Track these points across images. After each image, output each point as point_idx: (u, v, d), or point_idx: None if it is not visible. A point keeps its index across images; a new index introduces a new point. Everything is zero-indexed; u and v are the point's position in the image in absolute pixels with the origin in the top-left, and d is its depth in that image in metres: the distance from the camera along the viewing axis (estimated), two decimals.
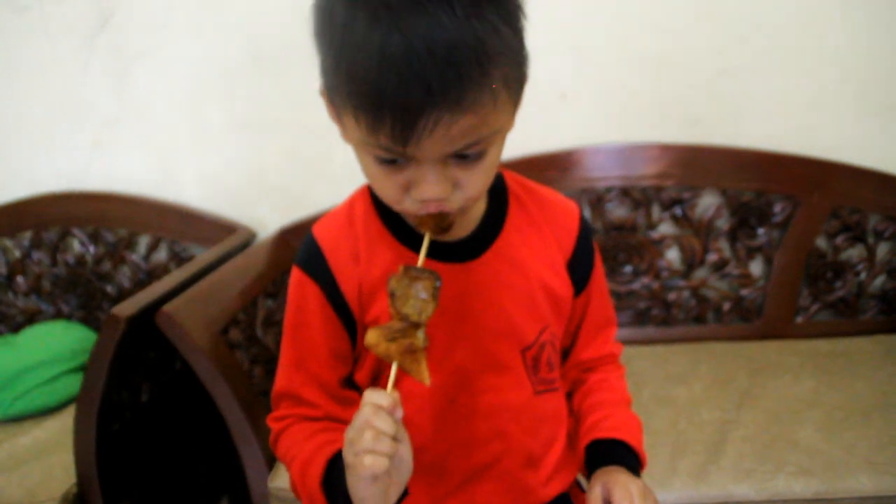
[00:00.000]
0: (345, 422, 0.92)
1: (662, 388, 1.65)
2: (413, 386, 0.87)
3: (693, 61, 1.85)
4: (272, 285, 1.72)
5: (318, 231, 0.94)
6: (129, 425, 1.55)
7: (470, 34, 0.69)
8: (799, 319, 1.91)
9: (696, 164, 1.85)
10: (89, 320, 2.07)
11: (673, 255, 1.92)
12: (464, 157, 0.76)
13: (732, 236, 1.88)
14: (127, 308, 1.38)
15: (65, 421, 1.67)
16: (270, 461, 1.43)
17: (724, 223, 1.88)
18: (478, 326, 0.92)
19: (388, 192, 0.79)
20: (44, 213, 2.08)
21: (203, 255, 1.75)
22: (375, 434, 0.74)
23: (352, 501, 0.78)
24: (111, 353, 1.36)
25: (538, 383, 0.97)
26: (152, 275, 2.05)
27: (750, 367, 1.73)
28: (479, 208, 0.93)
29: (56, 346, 1.84)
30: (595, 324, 1.04)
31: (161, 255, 2.06)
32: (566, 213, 0.99)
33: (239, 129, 2.00)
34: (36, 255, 2.10)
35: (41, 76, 2.02)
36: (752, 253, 1.89)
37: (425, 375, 0.79)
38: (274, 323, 1.66)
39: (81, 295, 2.09)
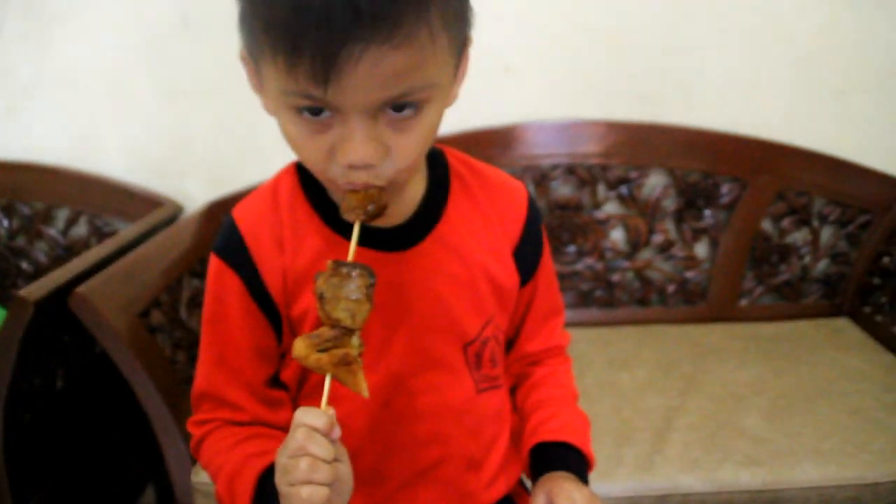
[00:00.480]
0: (273, 426, 0.86)
1: (606, 374, 1.61)
2: (337, 388, 0.76)
3: (643, 37, 1.80)
4: (199, 263, 1.63)
5: (238, 214, 0.85)
6: (41, 414, 1.45)
7: None
8: (743, 302, 1.89)
9: (644, 142, 1.81)
10: (3, 299, 1.93)
11: (618, 236, 1.88)
12: (397, 112, 0.68)
13: (678, 217, 1.85)
14: (36, 290, 1.27)
15: None
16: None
17: (670, 204, 1.84)
18: (415, 321, 0.84)
19: (311, 156, 0.71)
20: None
21: (125, 231, 1.64)
22: (312, 462, 0.66)
23: None
24: (18, 340, 1.26)
25: (481, 381, 0.90)
26: (71, 251, 1.93)
27: (694, 352, 1.70)
28: (417, 190, 0.85)
29: None
30: (542, 314, 0.97)
31: (81, 229, 1.94)
32: (513, 196, 0.91)
33: (166, 97, 1.88)
34: None
35: None
36: (697, 234, 1.86)
37: (363, 387, 0.71)
38: (200, 304, 1.56)
39: None
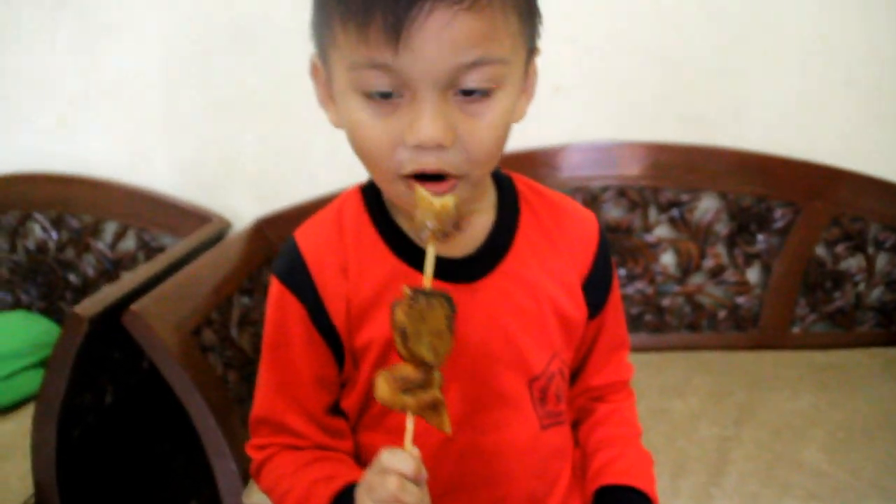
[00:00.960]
0: (334, 450, 0.84)
1: (658, 401, 1.58)
2: (401, 418, 0.73)
3: (696, 59, 1.78)
4: (248, 281, 1.62)
5: (301, 239, 0.82)
6: (91, 430, 1.45)
7: None
8: (795, 330, 1.85)
9: (696, 165, 1.78)
10: (50, 311, 1.95)
11: (668, 260, 1.85)
12: (467, 95, 0.67)
13: (731, 242, 1.82)
14: (91, 307, 1.27)
15: (22, 422, 1.55)
16: (245, 475, 1.33)
17: (722, 228, 1.81)
18: (481, 356, 0.81)
19: (379, 143, 0.69)
20: (2, 194, 1.96)
21: (174, 248, 1.64)
22: None
23: None
24: (73, 355, 1.26)
25: (545, 417, 0.86)
26: (119, 264, 1.94)
27: (746, 380, 1.67)
28: (487, 218, 0.83)
29: (14, 339, 1.71)
30: (608, 347, 0.93)
31: (129, 243, 1.95)
32: (584, 225, 0.88)
33: (215, 111, 1.89)
34: None
35: (4, 51, 1.90)
36: (749, 260, 1.82)
37: (447, 425, 0.69)
38: (250, 322, 1.56)
39: (42, 284, 1.97)
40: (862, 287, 1.83)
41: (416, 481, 0.66)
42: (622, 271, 1.83)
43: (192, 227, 1.83)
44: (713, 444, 1.43)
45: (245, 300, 1.58)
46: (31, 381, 1.63)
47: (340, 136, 1.94)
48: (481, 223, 0.82)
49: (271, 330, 0.83)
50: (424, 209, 0.69)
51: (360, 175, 1.83)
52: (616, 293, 0.92)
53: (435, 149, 0.67)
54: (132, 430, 1.62)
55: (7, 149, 1.97)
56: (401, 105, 0.67)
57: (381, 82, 0.66)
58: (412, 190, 0.70)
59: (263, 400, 0.85)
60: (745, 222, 1.80)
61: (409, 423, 0.69)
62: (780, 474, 1.34)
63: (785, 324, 1.84)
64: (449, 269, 0.78)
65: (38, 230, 1.97)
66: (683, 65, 1.78)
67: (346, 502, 0.73)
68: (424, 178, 0.70)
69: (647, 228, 1.82)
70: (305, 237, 0.82)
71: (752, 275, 1.85)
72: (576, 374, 0.94)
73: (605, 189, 1.80)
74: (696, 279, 1.84)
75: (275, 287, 0.82)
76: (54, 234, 1.96)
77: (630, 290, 1.83)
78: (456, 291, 0.76)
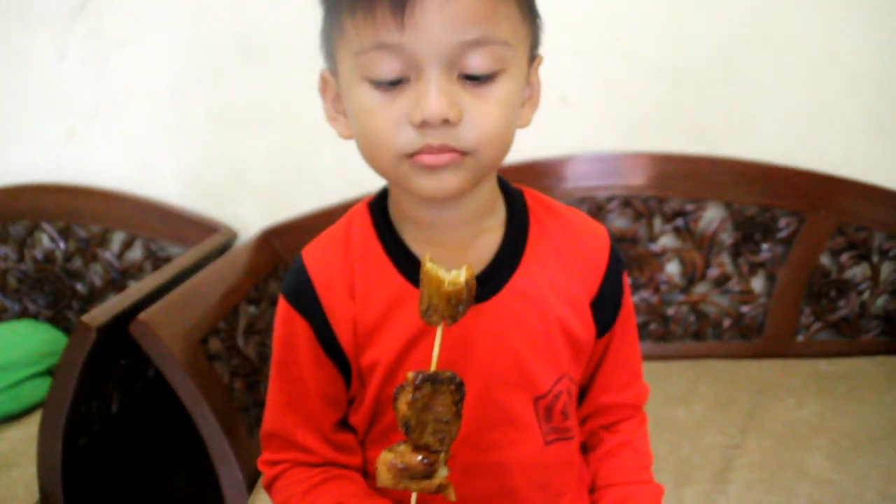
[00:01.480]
0: (343, 466, 0.86)
1: (663, 409, 1.58)
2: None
3: (700, 70, 1.78)
4: (254, 291, 1.63)
5: (308, 258, 0.83)
6: (97, 438, 1.45)
7: None
8: (800, 338, 1.85)
9: (701, 175, 1.78)
10: (57, 320, 1.96)
11: (673, 269, 1.85)
12: (473, 80, 0.69)
13: (735, 251, 1.82)
14: (98, 316, 1.28)
15: (29, 430, 1.56)
16: (251, 483, 1.33)
17: (727, 237, 1.82)
18: (485, 375, 0.80)
19: (386, 125, 0.70)
20: (11, 204, 1.96)
21: (181, 258, 1.65)
22: None
23: None
24: (80, 364, 1.26)
25: (549, 433, 0.86)
26: (126, 274, 1.95)
27: (751, 388, 1.66)
28: (495, 236, 0.82)
29: (21, 348, 1.72)
30: (617, 366, 0.92)
31: (136, 253, 1.96)
32: (595, 242, 0.87)
33: (223, 123, 1.90)
34: (1, 249, 1.98)
35: (15, 64, 1.91)
36: (754, 269, 1.83)
37: (451, 496, 0.69)
38: (256, 331, 1.57)
39: (50, 293, 1.97)
40: (866, 296, 1.83)
41: None
42: (627, 280, 1.83)
43: (199, 237, 1.84)
44: (718, 453, 1.43)
45: (252, 309, 1.59)
46: (38, 390, 1.64)
47: (347, 149, 1.94)
48: (489, 242, 0.82)
49: (279, 347, 0.84)
50: (433, 290, 0.67)
51: (367, 186, 1.84)
52: (628, 310, 0.91)
53: (441, 125, 0.68)
54: (138, 439, 1.62)
55: (17, 160, 1.98)
56: (407, 88, 0.69)
57: (387, 67, 0.68)
58: (417, 165, 0.71)
59: (273, 415, 0.86)
60: (749, 231, 1.80)
61: (413, 498, 0.69)
62: (784, 482, 1.34)
63: (790, 332, 1.84)
64: None
65: (46, 240, 1.98)
66: (688, 76, 1.79)
67: None
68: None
69: (652, 238, 1.82)
70: (313, 257, 0.83)
71: (757, 284, 1.85)
72: (584, 392, 0.93)
73: (610, 199, 1.81)
74: (701, 288, 1.84)
75: (282, 307, 0.83)
76: (62, 244, 1.96)
77: (635, 299, 1.83)
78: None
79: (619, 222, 1.82)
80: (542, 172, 1.80)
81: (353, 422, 0.86)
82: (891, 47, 1.75)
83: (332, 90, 0.78)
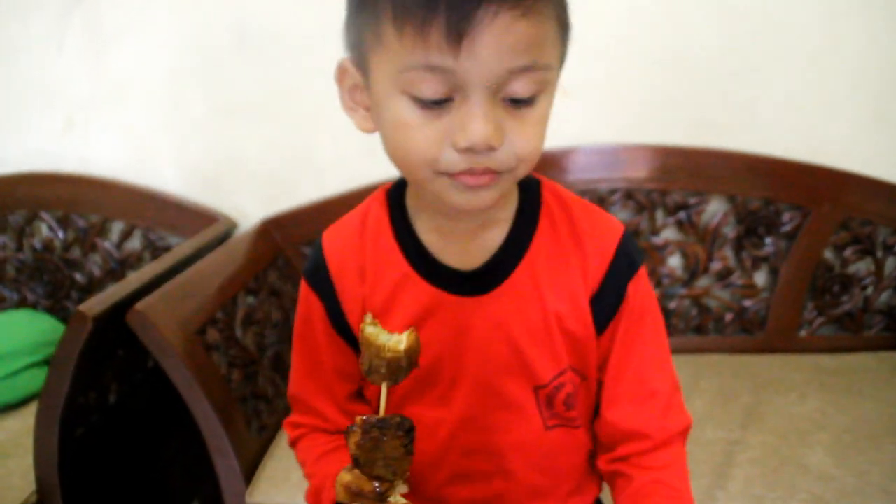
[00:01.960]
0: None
1: None
2: (422, 410, 0.84)
3: (704, 61, 1.76)
4: (253, 281, 1.62)
5: (327, 240, 0.88)
6: (94, 428, 1.44)
7: None
8: (802, 333, 1.83)
9: (704, 168, 1.77)
10: (56, 310, 1.96)
11: (675, 262, 1.84)
12: (515, 103, 0.68)
13: (738, 245, 1.80)
14: (95, 305, 1.27)
15: (26, 420, 1.55)
16: (248, 474, 1.33)
17: (730, 231, 1.80)
18: (485, 365, 0.83)
19: (426, 144, 0.69)
20: (10, 193, 1.96)
21: (180, 247, 1.64)
22: None
23: None
24: (77, 354, 1.25)
25: (550, 418, 0.86)
26: (125, 264, 1.94)
27: (753, 383, 1.65)
28: (501, 231, 0.82)
29: (19, 337, 1.71)
30: (625, 372, 0.85)
31: (135, 243, 1.95)
32: (602, 239, 0.84)
33: (221, 114, 1.89)
34: (0, 238, 1.98)
35: (13, 55, 1.91)
36: (757, 263, 1.81)
37: None
38: (255, 322, 1.56)
39: (48, 283, 1.97)
40: (870, 291, 1.82)
41: None
42: None
43: (198, 227, 1.83)
44: (719, 447, 1.42)
45: (250, 300, 1.58)
46: (36, 380, 1.63)
47: (346, 138, 1.94)
48: (495, 234, 0.82)
49: (299, 321, 0.90)
50: (372, 354, 0.69)
51: (366, 176, 1.83)
52: (637, 315, 0.84)
53: (485, 150, 0.68)
54: (136, 429, 1.61)
55: (15, 149, 1.97)
56: (451, 108, 0.67)
57: (434, 87, 0.66)
58: (457, 183, 0.71)
59: (296, 380, 0.92)
60: (752, 225, 1.78)
61: None
62: (785, 478, 1.33)
63: (792, 327, 1.82)
64: (455, 282, 0.81)
65: (45, 229, 1.97)
66: (691, 68, 1.77)
67: None
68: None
69: (655, 231, 1.81)
70: (331, 239, 0.87)
71: (760, 278, 1.83)
72: (597, 409, 0.89)
73: (612, 192, 1.79)
74: (703, 282, 1.83)
75: (303, 285, 0.89)
76: (61, 234, 1.96)
77: None
78: (460, 304, 0.81)
79: (621, 215, 1.81)
80: (543, 164, 1.74)
81: (368, 395, 0.91)
82: (894, 40, 1.73)
83: (350, 80, 0.76)
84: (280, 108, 1.87)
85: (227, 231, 1.84)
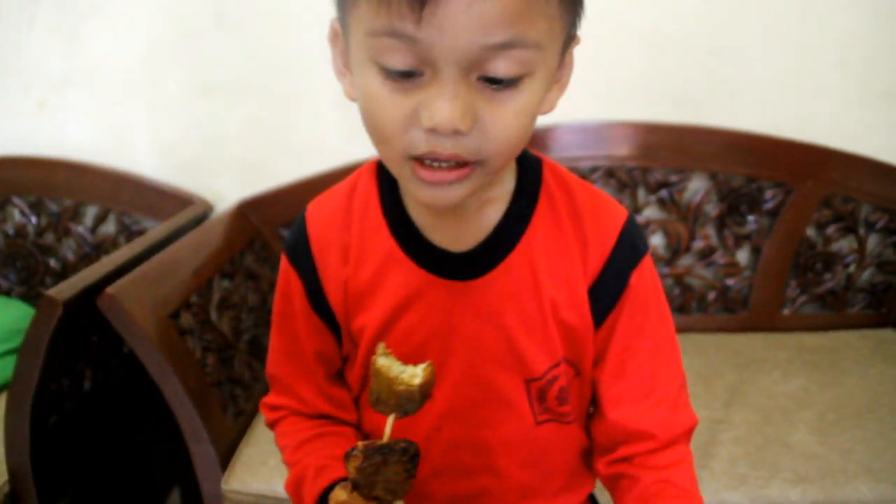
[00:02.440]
0: (336, 419, 0.86)
1: None
2: None
3: (685, 38, 1.74)
4: (229, 264, 1.59)
5: (310, 214, 0.81)
6: (69, 416, 1.42)
7: None
8: (785, 311, 1.83)
9: (685, 145, 1.75)
10: (30, 297, 1.92)
11: (657, 241, 1.82)
12: (492, 84, 0.61)
13: (720, 223, 1.79)
14: (65, 290, 1.24)
15: (1, 409, 1.52)
16: (224, 460, 1.30)
17: (712, 209, 1.79)
18: (475, 354, 0.77)
19: (393, 121, 0.63)
20: None
21: (154, 230, 1.61)
22: None
23: None
24: (47, 340, 1.22)
25: (541, 413, 0.81)
26: (100, 248, 1.90)
27: (736, 362, 1.65)
28: (498, 211, 0.76)
29: None
30: (625, 367, 0.80)
31: (109, 227, 1.91)
32: (603, 226, 0.78)
33: (198, 93, 1.85)
34: None
35: None
36: (739, 241, 1.80)
37: None
38: (230, 306, 1.53)
39: (22, 269, 1.93)
40: (853, 268, 1.81)
41: None
42: None
43: (174, 210, 1.79)
44: (702, 427, 1.38)
45: (226, 283, 1.55)
46: (10, 368, 1.59)
47: (325, 119, 1.90)
48: (491, 214, 0.76)
49: (278, 298, 0.84)
50: (383, 387, 0.65)
51: (345, 156, 1.80)
52: (642, 307, 0.79)
53: (451, 134, 0.61)
54: (112, 416, 1.59)
55: None
56: (420, 85, 0.61)
57: (399, 58, 0.60)
58: (415, 173, 0.65)
59: (274, 359, 0.87)
60: (735, 203, 1.77)
61: None
62: (769, 456, 1.32)
63: (775, 306, 1.82)
64: (445, 264, 0.76)
65: (17, 214, 1.93)
66: (673, 44, 1.75)
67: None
68: (433, 162, 0.64)
69: (636, 209, 1.79)
70: (315, 214, 0.81)
71: (742, 256, 1.82)
72: (596, 405, 0.84)
73: (594, 169, 1.77)
74: (686, 261, 1.82)
75: (283, 260, 0.83)
76: (34, 219, 1.92)
77: None
78: (451, 288, 0.76)
79: None
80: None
81: (349, 380, 0.86)
82: (878, 17, 1.72)
83: (342, 43, 0.69)
84: (258, 88, 1.83)
85: (204, 213, 1.80)
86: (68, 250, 1.92)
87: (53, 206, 1.90)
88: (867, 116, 1.78)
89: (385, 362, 0.65)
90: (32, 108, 1.90)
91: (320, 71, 1.79)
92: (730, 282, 1.82)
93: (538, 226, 0.77)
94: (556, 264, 0.77)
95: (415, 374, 0.64)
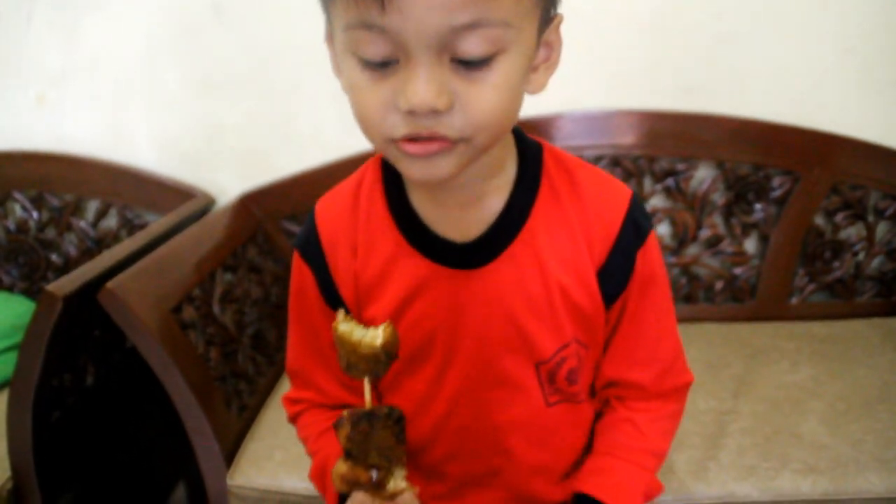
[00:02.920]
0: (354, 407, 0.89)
1: None
2: (415, 385, 0.83)
3: (690, 25, 1.72)
4: (231, 257, 1.58)
5: (320, 212, 0.85)
6: (72, 411, 1.41)
7: None
8: (793, 300, 1.81)
9: (692, 134, 1.73)
10: (32, 292, 1.91)
11: (664, 230, 1.80)
12: (466, 65, 0.63)
13: (727, 211, 1.77)
14: (65, 285, 1.23)
15: (3, 405, 1.51)
16: (229, 456, 1.29)
17: (719, 197, 1.77)
18: (484, 340, 0.80)
19: (373, 107, 0.65)
20: None
21: (155, 224, 1.59)
22: None
23: None
24: (48, 335, 1.21)
25: (551, 394, 0.84)
26: (101, 243, 1.89)
27: (744, 352, 1.63)
28: (500, 200, 0.78)
29: None
30: (630, 340, 0.85)
31: (111, 221, 1.90)
32: (608, 209, 0.80)
33: (198, 86, 1.84)
34: None
35: None
36: (747, 229, 1.78)
37: (414, 490, 0.75)
38: (233, 299, 1.52)
39: (24, 264, 1.92)
40: (862, 256, 1.79)
41: None
42: None
43: (175, 203, 1.78)
44: (710, 418, 1.39)
45: (228, 276, 1.54)
46: (12, 363, 1.58)
47: (325, 111, 1.89)
48: (493, 203, 0.78)
49: (293, 293, 0.88)
50: (349, 351, 0.68)
51: (346, 148, 1.79)
52: (648, 285, 0.83)
53: (429, 114, 0.63)
54: (116, 411, 1.58)
55: None
56: (396, 70, 0.63)
57: (374, 48, 0.63)
58: (403, 152, 0.67)
59: (293, 354, 0.91)
60: (742, 191, 1.75)
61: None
62: (778, 448, 1.30)
63: (783, 295, 1.80)
64: (450, 255, 0.78)
65: (19, 210, 1.92)
66: (679, 31, 1.73)
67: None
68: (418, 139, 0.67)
69: (642, 198, 1.77)
70: (324, 211, 0.84)
71: (750, 245, 1.80)
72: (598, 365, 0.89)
73: (599, 158, 1.75)
74: (693, 250, 1.80)
75: (295, 256, 0.87)
76: (35, 214, 1.91)
77: None
78: (457, 277, 0.78)
79: None
80: (529, 131, 1.71)
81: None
82: (886, 2, 1.69)
83: (331, 38, 0.73)
84: (258, 80, 1.82)
85: (205, 207, 1.79)
86: (70, 245, 1.91)
87: (55, 201, 1.90)
88: (875, 102, 1.75)
89: (346, 328, 0.68)
90: (31, 102, 1.89)
91: (320, 63, 1.78)
92: (737, 271, 1.80)
93: (540, 212, 0.78)
94: (561, 249, 0.78)
95: (375, 336, 0.67)
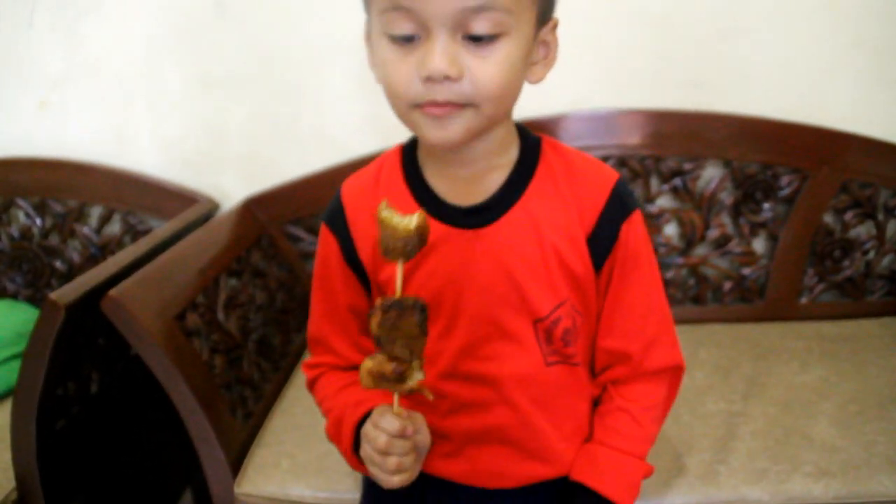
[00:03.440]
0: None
1: None
2: (429, 347, 0.86)
3: (696, 21, 1.71)
4: (236, 262, 1.57)
5: (344, 188, 0.97)
6: (76, 420, 1.40)
7: None
8: (803, 300, 1.79)
9: (699, 132, 1.71)
10: (36, 299, 1.90)
11: (671, 231, 1.79)
12: (475, 41, 0.77)
13: (736, 211, 1.76)
14: (68, 293, 1.21)
15: (7, 413, 1.50)
16: (235, 464, 1.28)
17: (727, 197, 1.75)
18: (485, 295, 0.89)
19: (400, 77, 0.80)
20: None
21: (158, 231, 1.58)
22: (397, 461, 0.83)
23: None
24: (51, 344, 1.20)
25: (550, 354, 0.93)
26: (105, 249, 1.89)
27: (753, 353, 1.61)
28: (502, 175, 0.90)
29: None
30: (619, 308, 0.95)
31: (115, 227, 1.90)
32: (595, 182, 0.92)
33: (200, 89, 1.83)
34: None
35: None
36: (755, 229, 1.76)
37: (429, 396, 0.82)
38: (238, 305, 1.51)
39: (27, 272, 1.91)
40: (872, 255, 1.78)
41: (402, 437, 0.82)
42: None
43: (179, 208, 1.77)
44: (720, 420, 1.38)
45: (233, 282, 1.53)
46: (16, 372, 1.58)
47: (329, 113, 1.87)
48: (497, 177, 0.90)
49: (318, 264, 0.99)
50: (388, 234, 0.77)
51: (350, 152, 1.78)
52: (633, 256, 0.93)
53: (443, 81, 0.77)
54: (121, 420, 1.57)
55: None
56: (418, 45, 0.78)
57: (402, 25, 0.77)
58: (424, 112, 0.80)
59: (314, 322, 1.01)
60: (750, 190, 1.74)
61: (396, 395, 0.82)
62: (789, 450, 1.29)
63: (792, 294, 1.78)
64: (456, 217, 0.89)
65: (22, 216, 1.92)
66: (684, 28, 1.72)
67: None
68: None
69: (649, 199, 1.76)
70: (348, 187, 0.97)
71: (759, 245, 1.79)
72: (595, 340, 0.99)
73: (605, 158, 1.73)
74: (701, 250, 1.78)
75: (321, 228, 0.98)
76: (38, 220, 1.90)
77: None
78: (461, 236, 0.89)
79: None
80: (534, 131, 1.72)
81: (383, 278, 0.95)
82: None
83: (368, 37, 0.87)
84: (261, 84, 1.81)
85: (209, 212, 1.78)
86: (74, 251, 1.91)
87: (58, 208, 1.89)
88: (884, 99, 1.74)
89: (388, 213, 0.77)
90: (33, 108, 1.89)
91: (324, 63, 1.78)
92: (746, 271, 1.78)
93: (537, 185, 0.90)
94: (555, 217, 0.90)
95: (410, 221, 0.76)
